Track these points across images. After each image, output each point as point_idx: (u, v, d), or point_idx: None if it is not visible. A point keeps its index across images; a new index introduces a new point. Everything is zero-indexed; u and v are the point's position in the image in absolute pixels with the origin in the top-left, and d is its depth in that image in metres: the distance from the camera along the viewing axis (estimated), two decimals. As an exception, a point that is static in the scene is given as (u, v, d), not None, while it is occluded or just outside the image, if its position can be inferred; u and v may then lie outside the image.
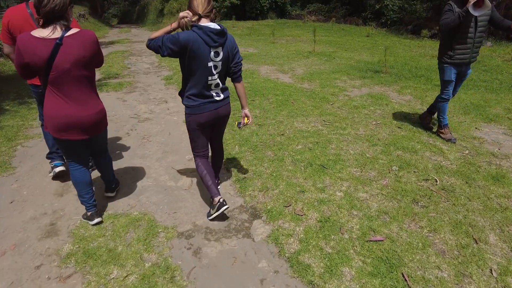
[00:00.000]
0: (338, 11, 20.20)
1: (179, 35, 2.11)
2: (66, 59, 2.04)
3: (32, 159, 3.61)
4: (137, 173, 3.33)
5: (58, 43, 2.00)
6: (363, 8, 18.87)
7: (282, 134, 4.14)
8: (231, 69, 2.42)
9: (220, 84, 2.40)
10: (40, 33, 2.00)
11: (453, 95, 4.01)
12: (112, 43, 13.13)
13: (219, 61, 2.29)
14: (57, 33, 2.02)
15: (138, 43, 12.87)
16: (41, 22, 2.02)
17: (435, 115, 4.37)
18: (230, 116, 3.61)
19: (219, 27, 2.20)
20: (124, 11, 36.00)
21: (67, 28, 2.08)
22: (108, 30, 20.75)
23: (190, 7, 2.21)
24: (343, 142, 3.92)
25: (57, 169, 3.11)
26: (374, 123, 4.54)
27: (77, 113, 2.18)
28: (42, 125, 3.09)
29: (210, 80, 2.30)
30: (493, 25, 3.59)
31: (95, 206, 2.55)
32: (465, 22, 3.46)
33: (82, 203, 2.54)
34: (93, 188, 2.59)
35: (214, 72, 2.29)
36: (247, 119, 2.62)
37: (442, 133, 4.04)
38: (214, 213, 2.53)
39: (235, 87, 2.53)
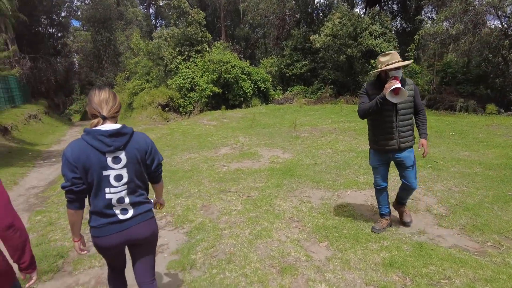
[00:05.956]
0: (325, 92, 17.78)
1: (64, 153, 1.59)
2: None
3: None
4: None
5: None
6: (355, 83, 16.56)
7: None
8: (151, 174, 1.83)
9: (126, 200, 1.69)
10: None
11: (408, 182, 2.98)
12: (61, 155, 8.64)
13: (122, 168, 1.66)
14: None
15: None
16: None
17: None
18: None
19: (116, 127, 1.62)
20: (87, 106, 31.44)
21: None
22: (65, 131, 16.34)
23: (90, 108, 1.65)
24: None
25: None
26: None
27: None
28: None
29: (109, 194, 1.65)
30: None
31: None
32: (384, 108, 2.84)
33: None
34: None
35: (115, 183, 1.65)
36: (159, 206, 2.06)
37: (377, 221, 3.24)
38: None
39: (153, 187, 1.97)
